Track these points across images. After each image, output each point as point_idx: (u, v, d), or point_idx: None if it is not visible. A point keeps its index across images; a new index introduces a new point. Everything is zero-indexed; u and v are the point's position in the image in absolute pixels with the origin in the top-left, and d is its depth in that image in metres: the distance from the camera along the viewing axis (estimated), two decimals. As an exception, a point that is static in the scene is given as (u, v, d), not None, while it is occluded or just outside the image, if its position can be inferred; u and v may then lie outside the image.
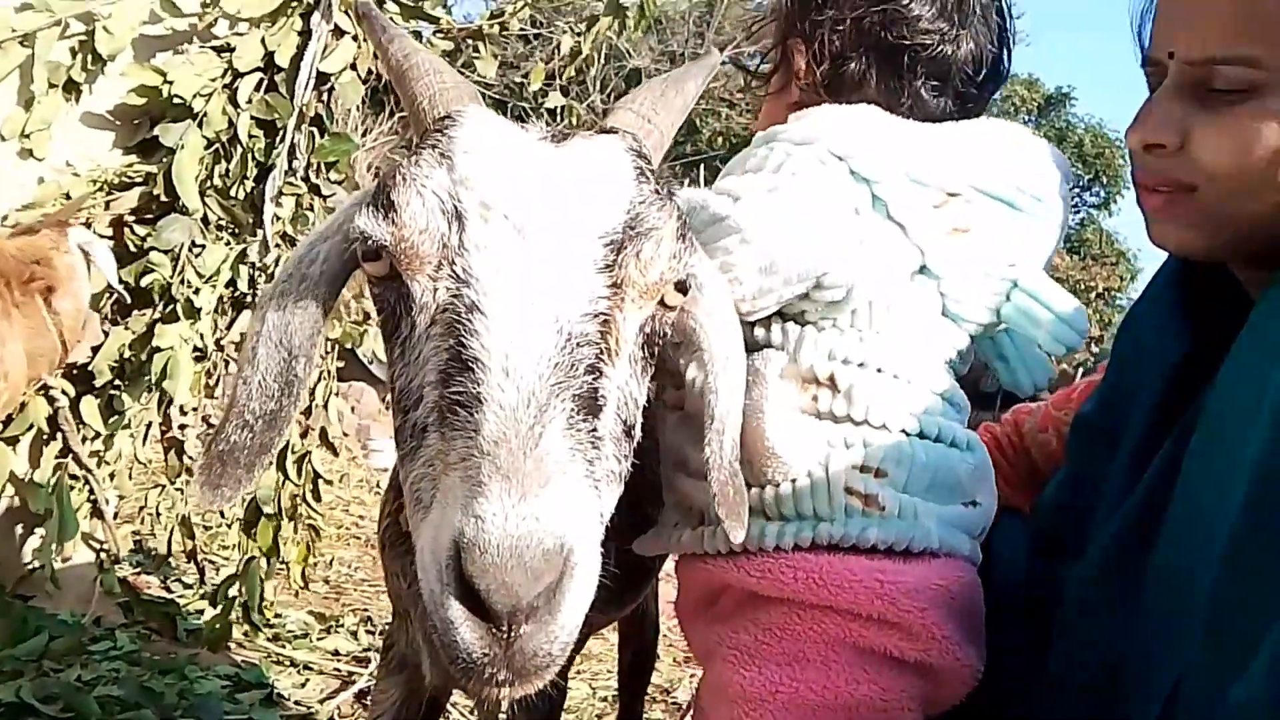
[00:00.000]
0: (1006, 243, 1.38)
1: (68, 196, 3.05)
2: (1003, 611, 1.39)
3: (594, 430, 0.92)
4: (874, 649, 1.26)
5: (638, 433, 1.07)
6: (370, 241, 0.97)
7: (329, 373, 3.68)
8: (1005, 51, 1.51)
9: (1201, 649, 1.13)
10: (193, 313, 3.08)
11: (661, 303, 1.06)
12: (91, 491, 3.13)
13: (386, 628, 3.75)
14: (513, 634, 0.81)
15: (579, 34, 4.32)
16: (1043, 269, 1.41)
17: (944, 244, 1.34)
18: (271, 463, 1.08)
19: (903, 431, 1.32)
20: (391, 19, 2.12)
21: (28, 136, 3.02)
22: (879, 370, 1.31)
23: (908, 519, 1.28)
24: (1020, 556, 1.48)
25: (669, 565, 1.76)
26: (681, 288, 1.07)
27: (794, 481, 1.29)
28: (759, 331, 1.38)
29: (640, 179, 1.05)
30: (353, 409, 6.91)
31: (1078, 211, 33.28)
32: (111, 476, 3.18)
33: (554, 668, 0.86)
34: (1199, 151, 1.21)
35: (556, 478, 0.85)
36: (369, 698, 1.92)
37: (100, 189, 3.09)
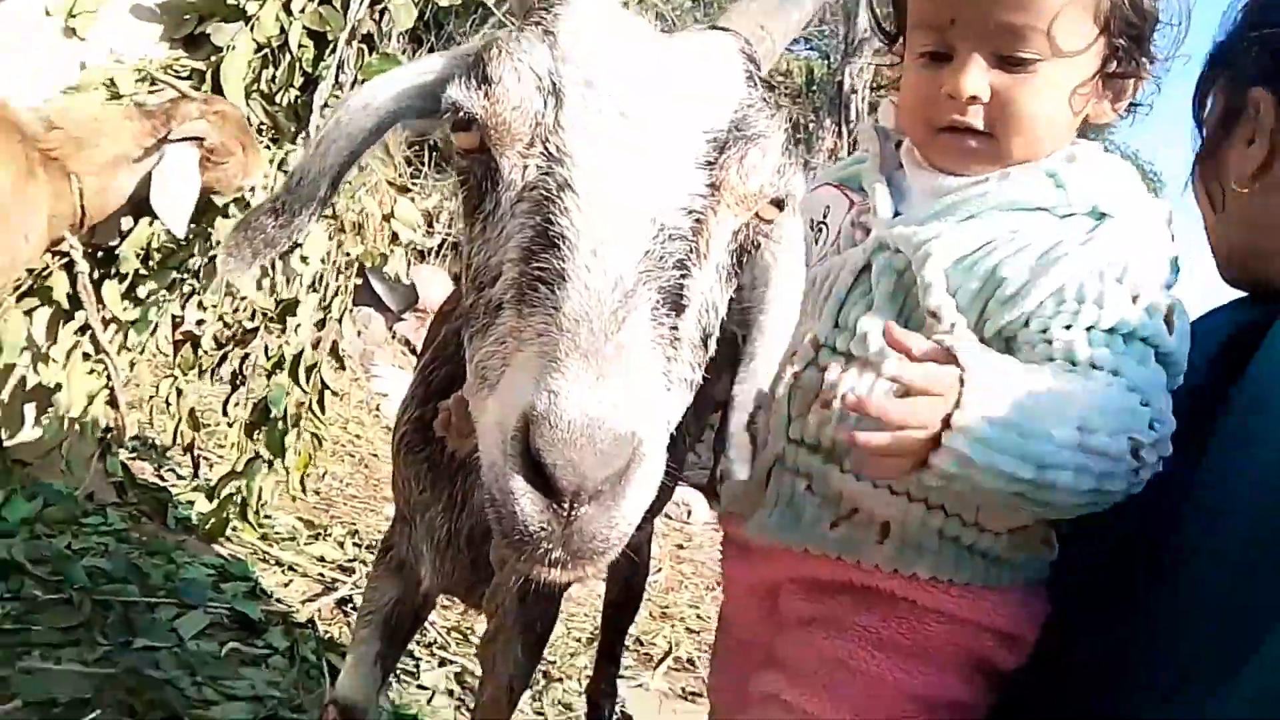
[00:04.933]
0: None
1: (112, 83, 3.08)
2: None
3: (675, 329, 0.90)
4: (988, 659, 1.30)
5: (713, 344, 1.04)
6: (462, 113, 0.95)
7: (345, 289, 3.73)
8: None
9: (1204, 653, 1.12)
10: (223, 212, 3.12)
11: (757, 215, 1.02)
12: (109, 377, 3.17)
13: (375, 541, 3.83)
14: (573, 513, 0.79)
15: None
16: None
17: None
18: (278, 255, 1.15)
19: None
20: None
21: (75, 17, 3.04)
22: None
23: None
24: None
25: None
26: (779, 204, 1.04)
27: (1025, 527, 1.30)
28: None
29: (750, 82, 1.01)
30: (359, 333, 6.96)
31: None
32: (131, 365, 3.22)
33: (609, 555, 0.84)
34: None
35: (635, 366, 0.82)
36: (361, 595, 1.97)
37: (144, 79, 3.12)
